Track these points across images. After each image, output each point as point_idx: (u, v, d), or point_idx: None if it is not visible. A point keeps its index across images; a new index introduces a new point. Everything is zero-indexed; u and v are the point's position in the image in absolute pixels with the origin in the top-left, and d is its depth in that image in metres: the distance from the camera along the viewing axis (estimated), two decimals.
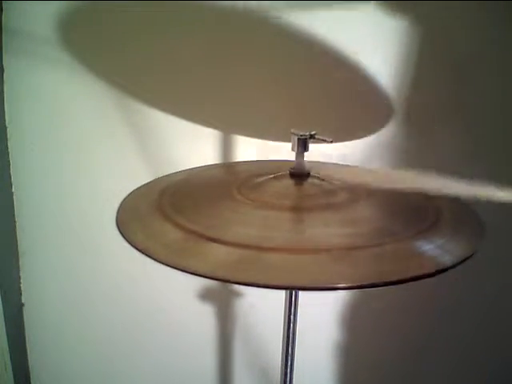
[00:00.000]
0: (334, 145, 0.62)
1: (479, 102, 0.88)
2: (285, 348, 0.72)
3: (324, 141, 0.62)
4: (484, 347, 1.03)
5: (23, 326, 1.04)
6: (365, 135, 0.90)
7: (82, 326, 1.05)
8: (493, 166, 0.88)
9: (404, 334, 1.04)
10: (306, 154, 0.64)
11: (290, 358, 0.72)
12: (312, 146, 0.64)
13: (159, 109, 0.90)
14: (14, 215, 0.98)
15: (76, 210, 0.97)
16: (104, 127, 0.92)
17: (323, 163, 0.77)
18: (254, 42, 0.87)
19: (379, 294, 0.92)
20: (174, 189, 0.65)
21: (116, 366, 1.08)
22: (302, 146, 0.63)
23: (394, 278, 0.43)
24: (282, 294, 0.70)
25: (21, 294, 1.02)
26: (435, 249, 0.50)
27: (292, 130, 0.64)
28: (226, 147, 0.92)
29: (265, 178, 0.65)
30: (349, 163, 0.84)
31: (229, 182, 0.68)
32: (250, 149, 0.92)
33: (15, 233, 0.99)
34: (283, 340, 0.72)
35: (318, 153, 0.68)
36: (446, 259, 0.47)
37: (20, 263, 1.01)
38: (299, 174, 0.64)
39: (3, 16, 0.86)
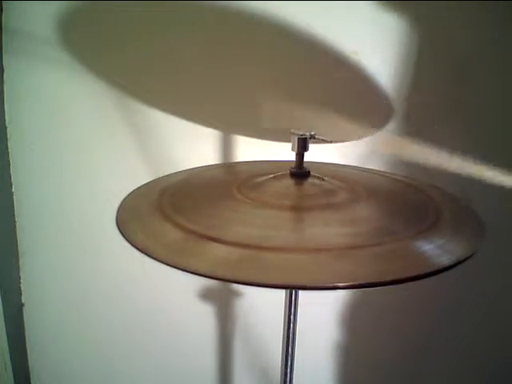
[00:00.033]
0: (334, 145, 0.62)
1: (479, 101, 0.88)
2: (285, 348, 0.72)
3: (324, 141, 0.62)
4: (484, 347, 1.03)
5: (23, 326, 1.04)
6: (365, 135, 0.90)
7: (81, 326, 1.05)
8: (493, 165, 0.89)
9: (404, 334, 1.04)
10: (305, 153, 0.64)
11: (289, 357, 0.72)
12: (312, 146, 0.64)
13: (159, 109, 0.90)
14: (14, 215, 0.98)
15: (76, 210, 0.97)
16: (104, 127, 0.92)
17: (323, 163, 0.77)
18: (254, 42, 0.87)
19: (379, 294, 0.92)
20: (174, 189, 0.65)
21: (116, 366, 1.08)
22: (302, 146, 0.63)
23: (394, 278, 0.43)
24: (281, 294, 0.70)
25: (21, 294, 1.02)
26: (435, 249, 0.50)
27: (292, 130, 0.64)
28: (226, 147, 0.92)
29: (265, 177, 0.65)
30: (349, 163, 0.84)
31: (229, 181, 0.68)
32: (250, 149, 0.92)
33: (15, 233, 0.99)
34: (283, 340, 0.72)
35: (318, 153, 0.68)
36: (446, 259, 0.47)
37: (20, 263, 1.01)
38: (299, 173, 0.64)
39: (3, 16, 0.86)
